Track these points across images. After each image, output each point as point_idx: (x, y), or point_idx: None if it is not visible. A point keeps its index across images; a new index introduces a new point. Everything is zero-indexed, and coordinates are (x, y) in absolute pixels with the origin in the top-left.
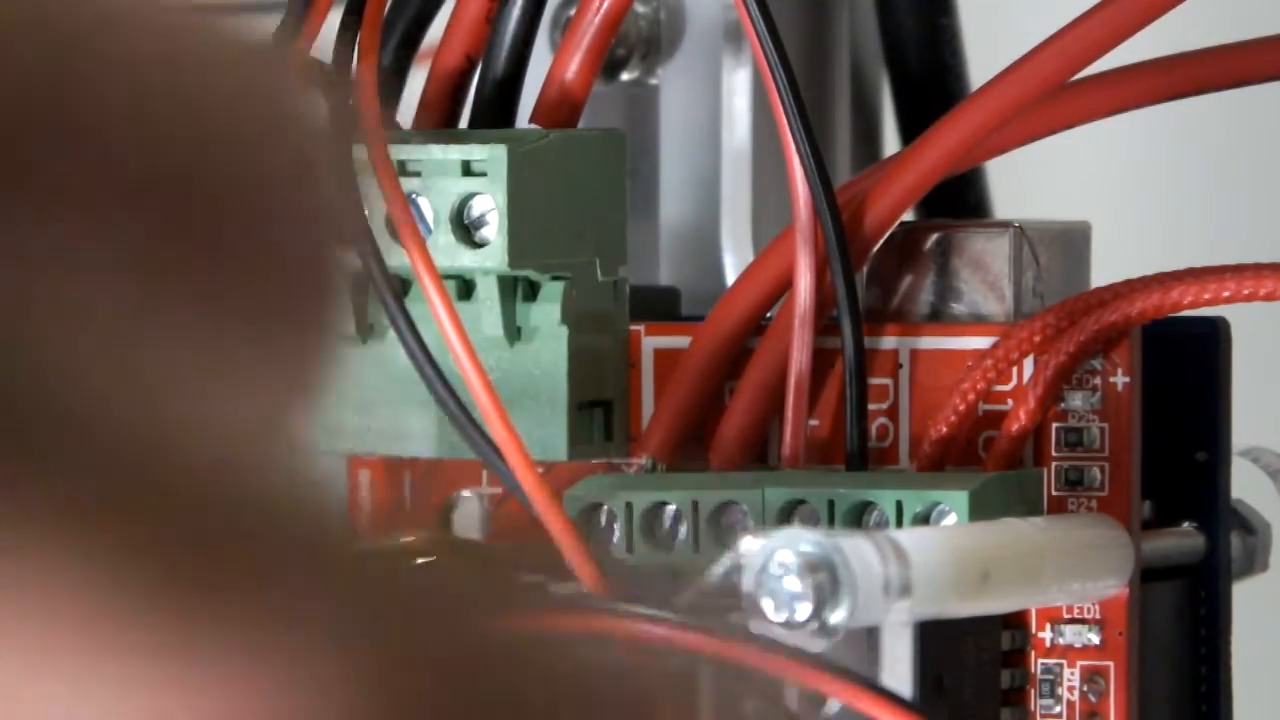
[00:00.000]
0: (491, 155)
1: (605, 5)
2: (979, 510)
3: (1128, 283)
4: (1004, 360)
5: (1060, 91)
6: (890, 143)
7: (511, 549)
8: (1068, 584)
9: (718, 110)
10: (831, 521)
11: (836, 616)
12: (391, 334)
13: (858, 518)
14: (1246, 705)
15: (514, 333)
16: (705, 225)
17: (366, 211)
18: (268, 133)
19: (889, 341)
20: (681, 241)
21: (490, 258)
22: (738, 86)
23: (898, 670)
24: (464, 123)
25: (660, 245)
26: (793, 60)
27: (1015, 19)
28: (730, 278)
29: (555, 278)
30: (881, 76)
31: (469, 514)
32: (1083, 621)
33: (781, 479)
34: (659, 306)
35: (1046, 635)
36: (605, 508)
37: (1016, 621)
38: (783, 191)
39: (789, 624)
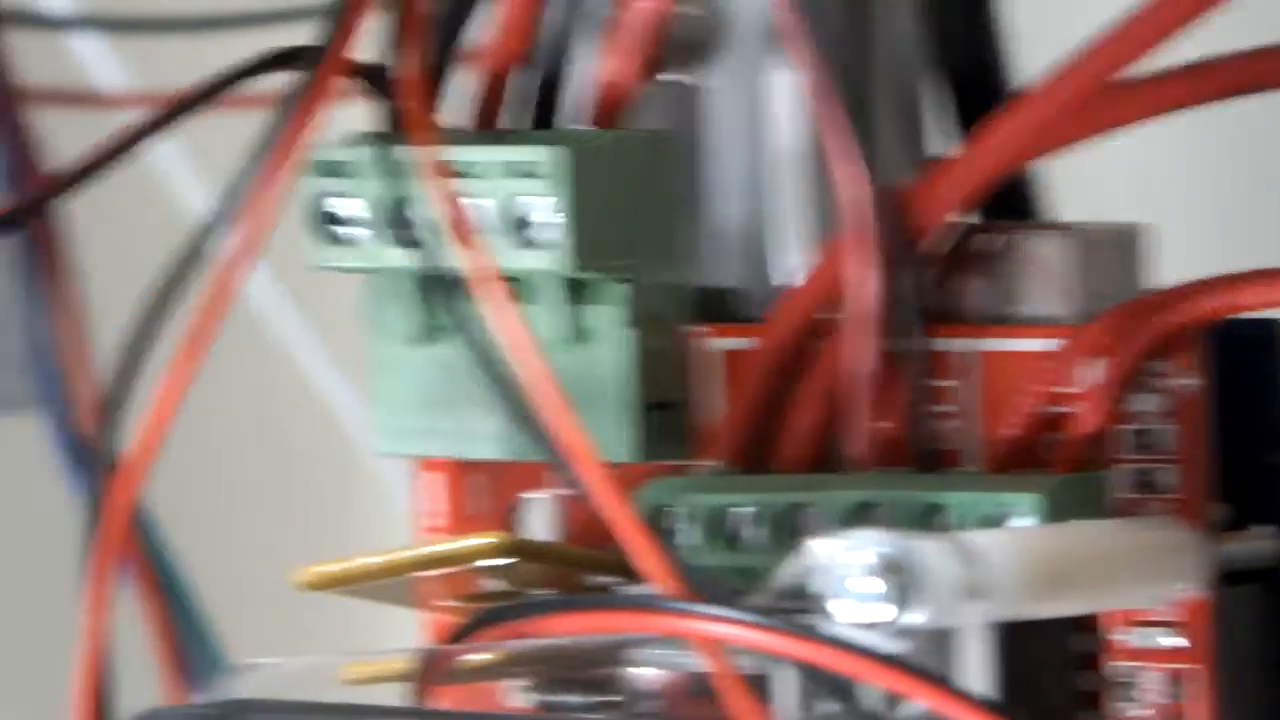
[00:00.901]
0: (554, 157)
1: (650, 5)
2: (1050, 512)
3: (1196, 283)
4: (1070, 360)
5: (1117, 89)
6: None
7: (584, 551)
8: (1141, 587)
9: (762, 110)
10: (901, 524)
11: (912, 618)
12: (454, 337)
13: (927, 520)
14: None
15: (577, 335)
16: (751, 226)
17: (427, 213)
18: None
19: (955, 344)
20: (727, 242)
21: (552, 260)
22: (782, 86)
23: (974, 672)
24: (508, 122)
25: (707, 246)
26: (834, 58)
27: (1070, 14)
28: (778, 279)
29: (617, 279)
30: (922, 75)
31: (536, 517)
32: (1160, 624)
33: (851, 481)
34: (716, 307)
35: (1123, 638)
36: (674, 510)
37: (1092, 624)
38: (831, 192)
39: (864, 625)
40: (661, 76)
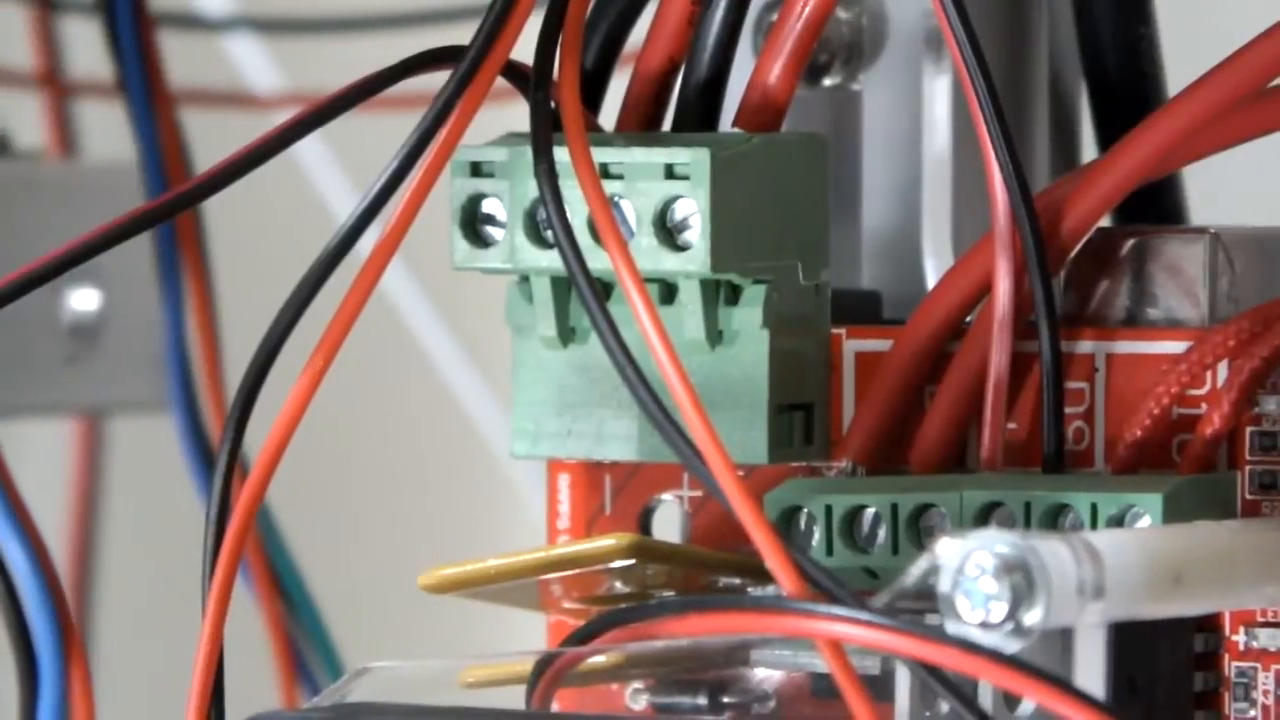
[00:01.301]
0: (694, 159)
1: (808, 10)
2: (1173, 513)
3: None
4: (1199, 364)
5: (1256, 97)
6: (1088, 149)
7: (710, 552)
8: (1261, 587)
9: (919, 116)
10: (1028, 524)
11: (1031, 617)
12: (594, 337)
13: (1054, 520)
14: None
15: (715, 336)
16: (906, 230)
17: (574, 214)
18: None
19: (1085, 345)
20: (883, 246)
21: (692, 261)
22: (938, 93)
23: (1091, 672)
24: (667, 125)
25: (862, 249)
26: (992, 67)
27: (1213, 25)
28: (931, 282)
29: (757, 281)
30: (1079, 83)
31: (669, 518)
32: (1278, 625)
33: (979, 482)
34: (860, 310)
35: (1240, 638)
36: (805, 511)
37: (1210, 624)
38: (982, 197)
39: (984, 625)
40: (819, 81)
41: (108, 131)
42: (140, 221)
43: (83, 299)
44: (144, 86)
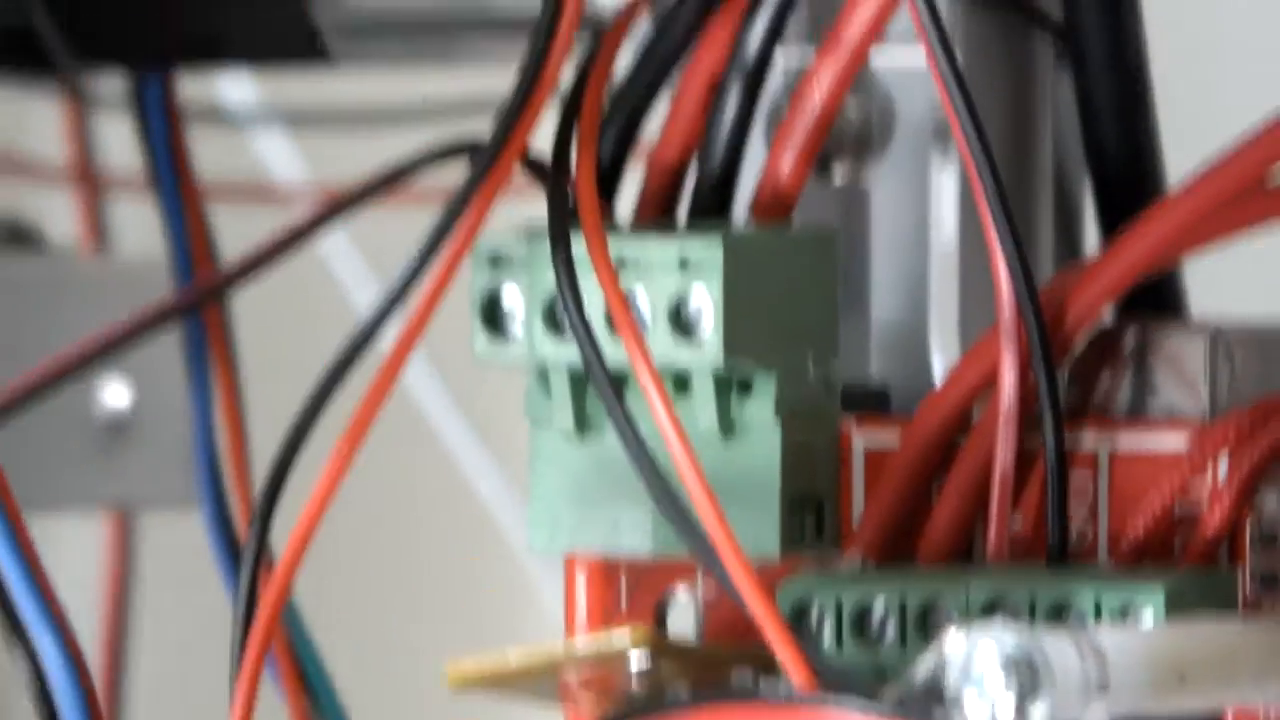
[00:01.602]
0: (707, 251)
1: (818, 104)
2: (1175, 608)
3: None
4: (1199, 458)
5: (1256, 190)
6: (1091, 241)
7: (724, 647)
8: (1265, 685)
9: (926, 209)
10: (1033, 617)
11: (1037, 713)
12: (609, 429)
13: (1058, 613)
14: None
15: (728, 427)
16: (914, 323)
17: (590, 306)
18: None
19: (1089, 439)
20: (891, 339)
21: (705, 352)
22: (945, 186)
23: None
24: (681, 216)
25: (870, 342)
26: (997, 159)
27: (1214, 114)
28: (938, 375)
29: (768, 373)
30: (1083, 175)
31: (683, 612)
32: None
33: (985, 575)
34: (868, 403)
35: None
36: (816, 604)
37: None
38: (988, 289)
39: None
40: (827, 174)
41: (138, 225)
42: (168, 314)
43: (114, 393)
44: (173, 181)
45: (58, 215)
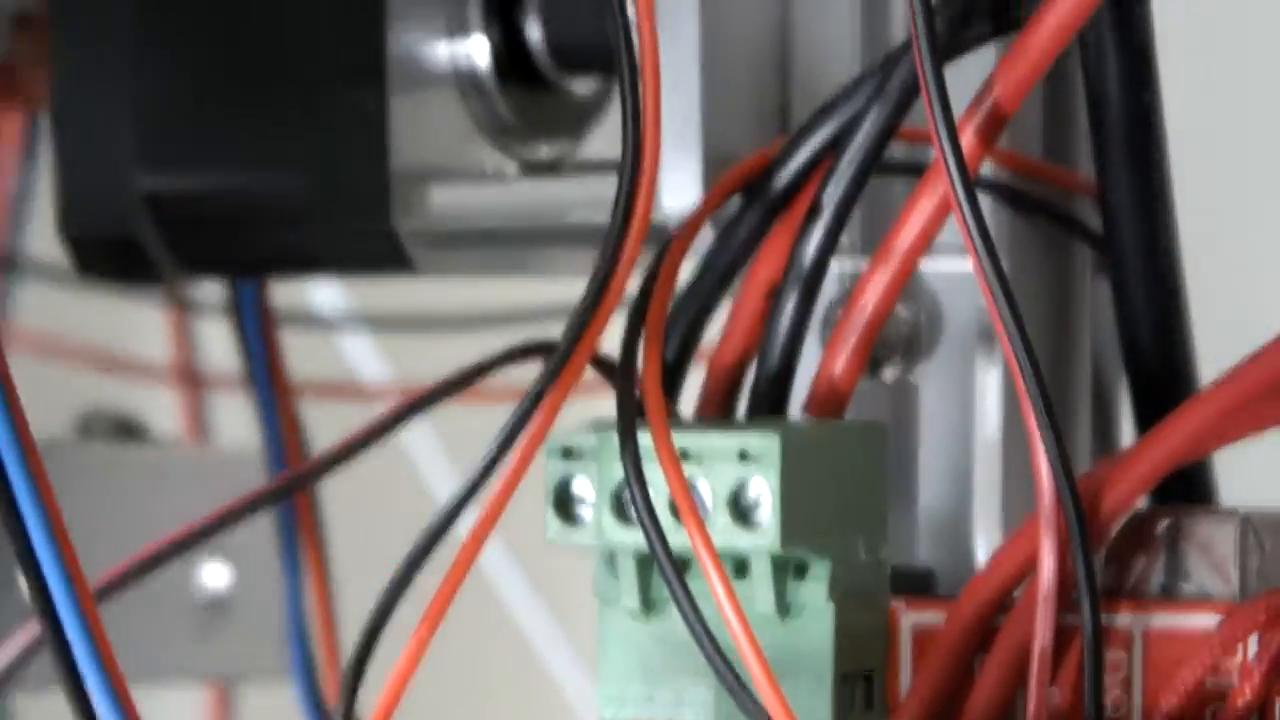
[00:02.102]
0: (765, 444)
1: (870, 308)
2: None
3: None
4: (1230, 638)
5: None
6: (1126, 434)
7: None
8: None
9: (971, 405)
10: None
11: None
12: (674, 608)
13: None
14: None
15: (785, 609)
16: (959, 511)
17: (657, 495)
18: None
19: (1124, 619)
20: (937, 525)
21: (763, 538)
22: (989, 383)
23: None
24: (740, 412)
25: (918, 529)
26: (1039, 360)
27: (1248, 312)
28: (981, 558)
29: (823, 557)
30: (1119, 373)
31: None
32: None
33: None
34: (916, 585)
35: None
36: None
37: None
38: (1029, 479)
39: None
40: (878, 372)
41: (235, 419)
42: (263, 501)
43: (212, 573)
44: (267, 379)
45: (162, 410)
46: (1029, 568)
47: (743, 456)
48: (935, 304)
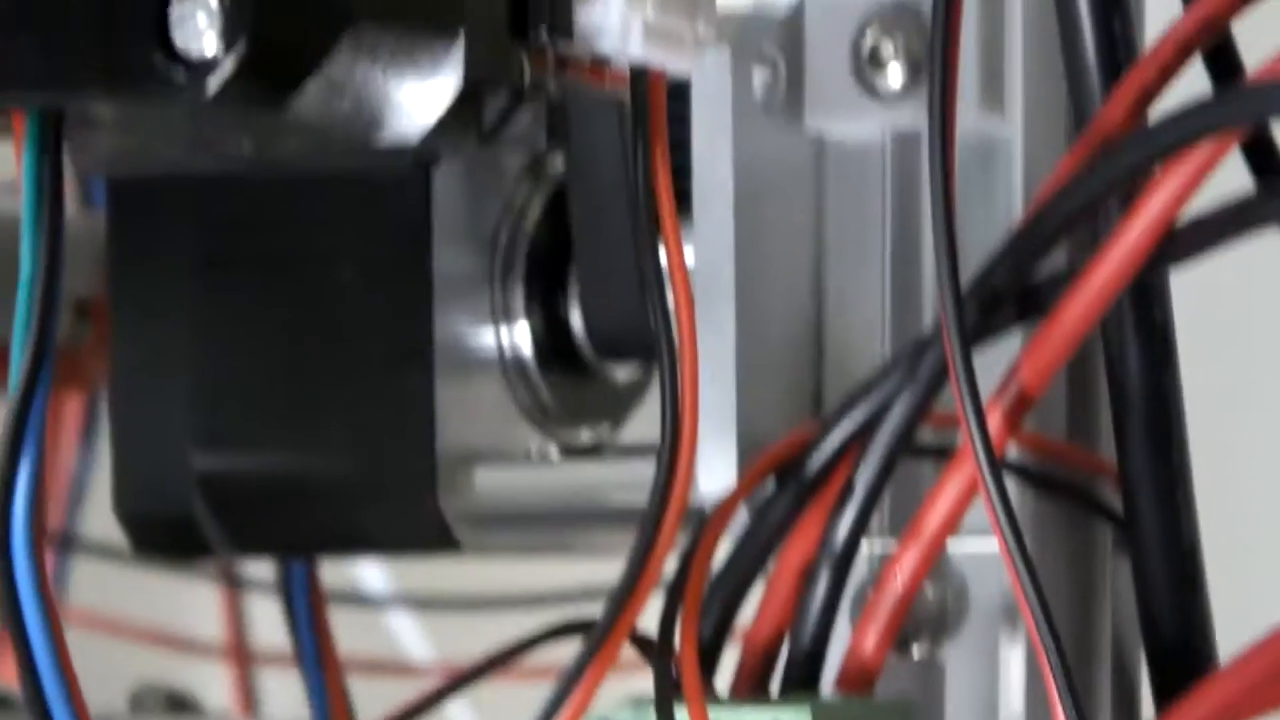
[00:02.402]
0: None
1: (899, 589)
2: None
3: None
4: None
5: None
6: (1147, 710)
7: None
8: None
9: (995, 681)
10: None
11: None
12: None
13: None
14: None
15: None
16: None
17: None
18: None
19: None
20: None
21: None
22: (1014, 660)
23: None
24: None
25: None
26: (1062, 637)
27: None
28: None
29: None
30: (1139, 649)
31: None
32: None
33: None
34: None
35: None
36: None
37: None
38: None
39: None
40: (907, 650)
41: (285, 694)
42: None
43: None
44: (315, 655)
45: (214, 685)
46: None
47: None
48: (962, 584)
